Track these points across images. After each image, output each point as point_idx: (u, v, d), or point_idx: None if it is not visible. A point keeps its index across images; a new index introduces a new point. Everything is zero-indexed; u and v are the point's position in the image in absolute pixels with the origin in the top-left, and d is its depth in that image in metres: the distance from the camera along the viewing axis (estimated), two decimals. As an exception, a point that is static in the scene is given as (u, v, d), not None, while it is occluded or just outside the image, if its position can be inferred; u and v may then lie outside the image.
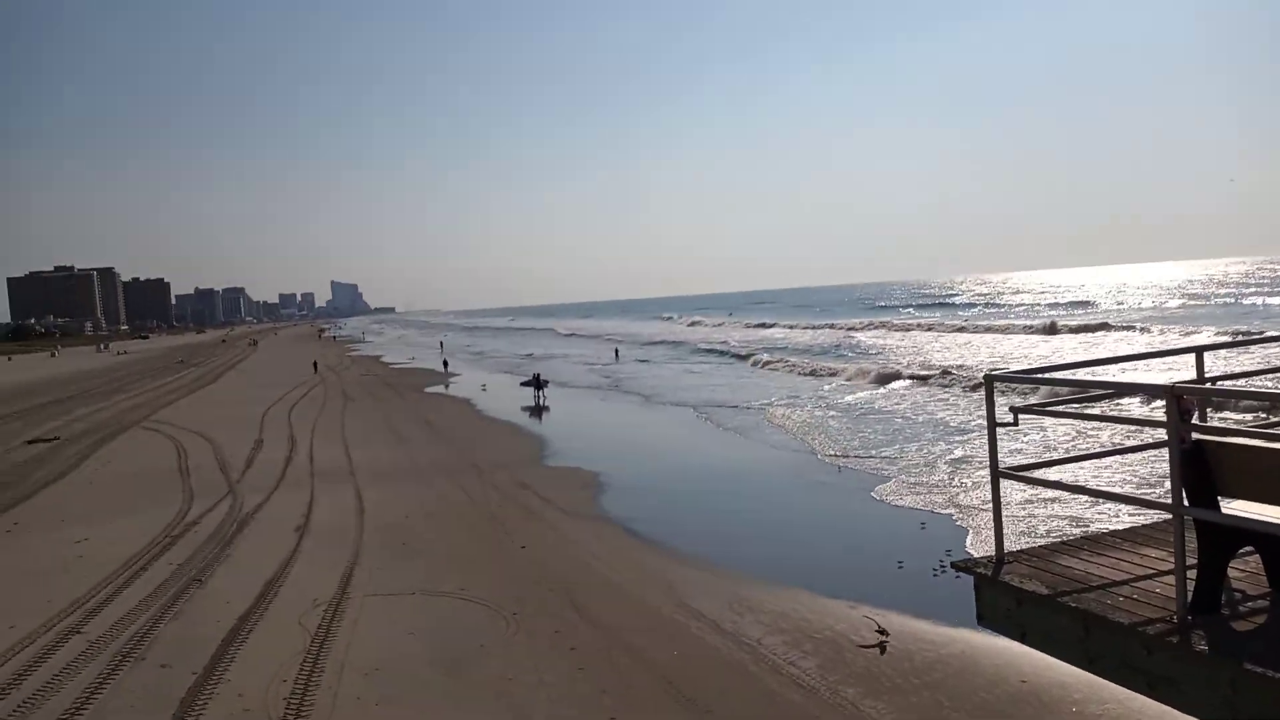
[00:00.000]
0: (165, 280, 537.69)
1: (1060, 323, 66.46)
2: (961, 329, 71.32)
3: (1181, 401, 4.87)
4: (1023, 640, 5.83)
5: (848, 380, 43.67)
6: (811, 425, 29.91)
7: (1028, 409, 6.01)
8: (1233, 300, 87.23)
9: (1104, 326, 62.39)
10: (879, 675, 10.68)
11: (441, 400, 45.93)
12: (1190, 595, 5.05)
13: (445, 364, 67.25)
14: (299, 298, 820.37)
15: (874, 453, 24.33)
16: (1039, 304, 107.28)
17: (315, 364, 72.41)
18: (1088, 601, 5.40)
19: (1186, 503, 5.05)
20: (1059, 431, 22.53)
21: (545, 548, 16.59)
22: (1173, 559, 5.14)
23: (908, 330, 76.91)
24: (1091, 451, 7.11)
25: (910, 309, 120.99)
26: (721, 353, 67.77)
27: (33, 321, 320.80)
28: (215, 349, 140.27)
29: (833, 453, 24.70)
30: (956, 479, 20.18)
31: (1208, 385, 6.09)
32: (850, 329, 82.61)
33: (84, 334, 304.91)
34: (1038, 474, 6.49)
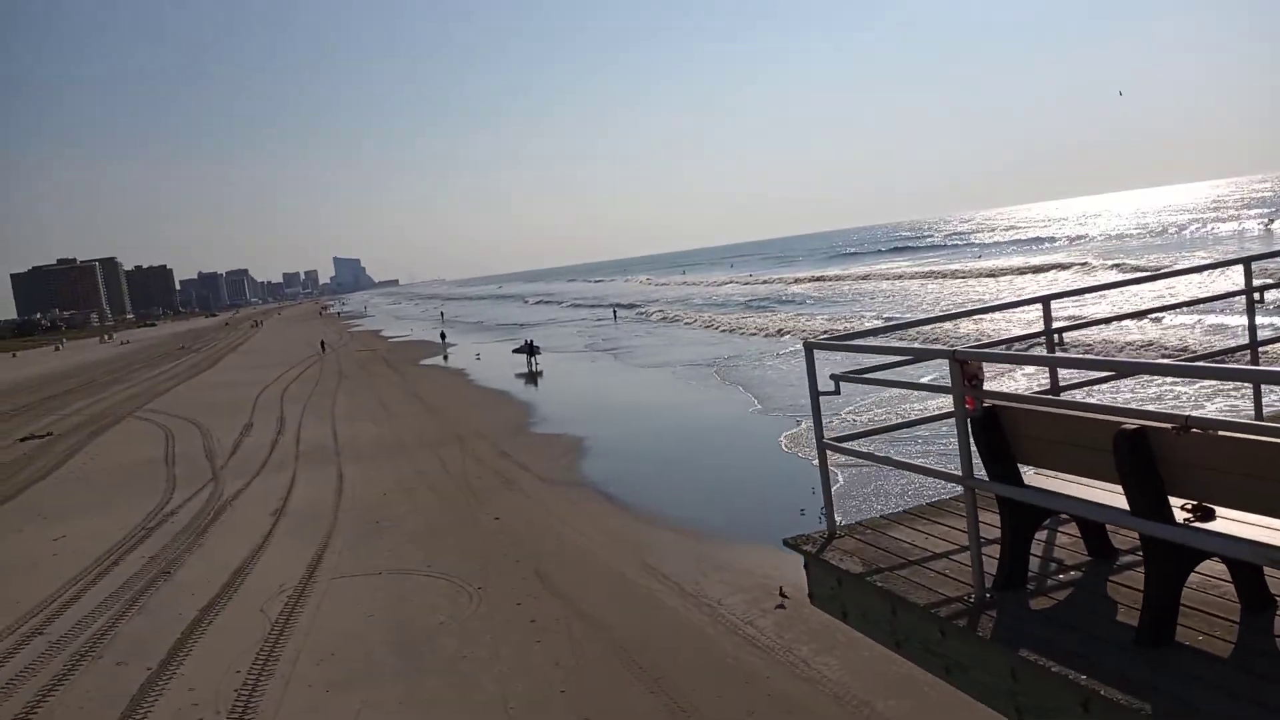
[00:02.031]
0: (168, 266, 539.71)
1: (1014, 262, 66.13)
2: (900, 276, 71.98)
3: (966, 366, 4.53)
4: (845, 620, 5.48)
5: (782, 337, 43.41)
6: (763, 382, 29.99)
7: (845, 377, 5.60)
8: (1195, 227, 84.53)
9: (1058, 266, 61.51)
10: (833, 630, 10.55)
11: (435, 372, 45.87)
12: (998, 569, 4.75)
13: (443, 335, 67.09)
14: (303, 276, 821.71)
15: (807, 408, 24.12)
16: (1004, 241, 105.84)
17: (322, 343, 71.40)
18: (895, 580, 5.06)
19: (986, 472, 4.71)
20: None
21: (518, 517, 16.52)
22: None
23: (848, 280, 77.63)
24: (908, 420, 6.54)
25: (873, 254, 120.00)
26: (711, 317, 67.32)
27: (38, 316, 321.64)
28: (218, 332, 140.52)
29: (778, 410, 24.52)
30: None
31: (992, 350, 5.74)
32: (795, 280, 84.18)
33: (89, 326, 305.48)
34: (860, 444, 6.04)
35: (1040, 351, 6.51)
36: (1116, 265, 54.40)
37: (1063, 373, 6.22)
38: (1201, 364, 4.03)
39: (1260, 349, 6.90)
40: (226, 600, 13.15)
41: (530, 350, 42.27)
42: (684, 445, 22.47)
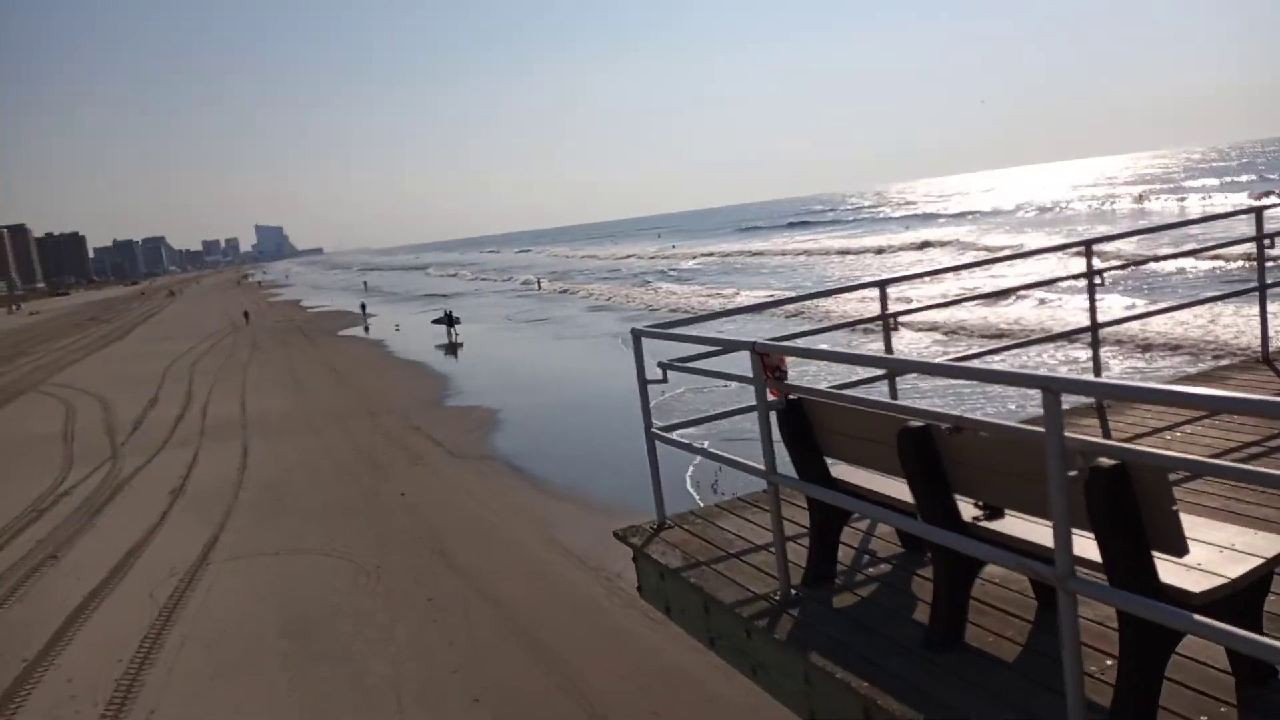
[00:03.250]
0: (80, 234, 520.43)
1: (899, 240, 65.99)
2: (783, 253, 73.15)
3: (767, 358, 4.39)
4: (669, 616, 5.36)
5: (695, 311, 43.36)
6: (674, 352, 29.88)
7: (672, 365, 5.48)
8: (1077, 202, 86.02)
9: (927, 244, 60.58)
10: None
11: (353, 344, 45.06)
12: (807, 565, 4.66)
13: (363, 306, 65.87)
14: (223, 244, 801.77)
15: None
16: (908, 215, 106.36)
17: (246, 313, 69.30)
18: (709, 576, 4.92)
19: (793, 464, 4.58)
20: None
21: (424, 493, 16.30)
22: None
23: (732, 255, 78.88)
24: (725, 411, 6.35)
25: (778, 229, 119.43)
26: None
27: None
28: (132, 302, 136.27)
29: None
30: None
31: (788, 344, 5.68)
32: (691, 255, 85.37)
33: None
34: (687, 434, 5.91)
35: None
36: (974, 246, 53.70)
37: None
38: (971, 365, 3.94)
39: (1100, 330, 7.03)
40: (114, 585, 12.74)
41: (449, 321, 41.70)
42: (594, 417, 22.33)
